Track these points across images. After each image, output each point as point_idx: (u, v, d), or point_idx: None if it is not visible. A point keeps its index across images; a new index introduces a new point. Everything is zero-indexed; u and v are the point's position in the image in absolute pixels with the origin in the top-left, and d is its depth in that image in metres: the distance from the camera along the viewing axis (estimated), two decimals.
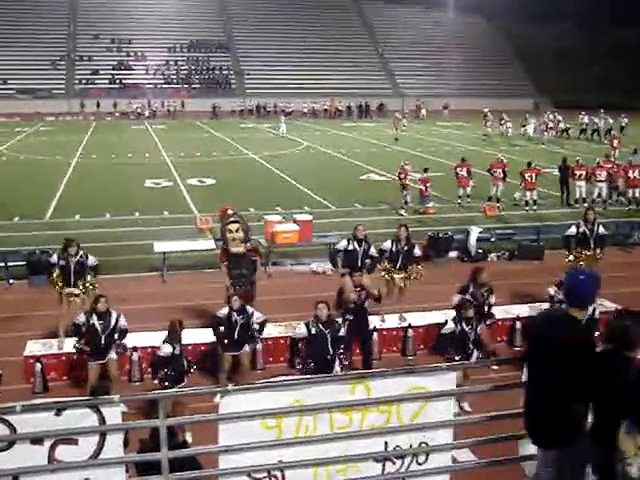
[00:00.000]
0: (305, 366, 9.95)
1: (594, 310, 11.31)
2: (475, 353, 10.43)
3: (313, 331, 9.93)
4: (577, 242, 14.44)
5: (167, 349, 9.76)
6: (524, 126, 47.36)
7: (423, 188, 24.07)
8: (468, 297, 11.48)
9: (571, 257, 14.33)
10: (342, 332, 10.21)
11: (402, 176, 24.22)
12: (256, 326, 10.84)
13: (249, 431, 4.76)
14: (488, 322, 11.86)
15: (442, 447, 5.12)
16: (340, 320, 10.85)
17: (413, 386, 4.95)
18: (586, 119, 47.92)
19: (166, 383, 9.71)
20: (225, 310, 10.74)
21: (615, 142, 35.18)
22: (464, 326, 10.30)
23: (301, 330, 10.08)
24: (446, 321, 10.72)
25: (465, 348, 10.26)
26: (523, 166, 25.16)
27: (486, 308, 11.70)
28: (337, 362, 9.97)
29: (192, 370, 10.12)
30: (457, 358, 10.04)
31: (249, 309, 10.90)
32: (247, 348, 10.94)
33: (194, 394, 8.04)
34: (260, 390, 4.79)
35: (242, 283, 12.25)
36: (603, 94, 67.87)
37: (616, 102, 57.77)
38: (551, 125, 46.45)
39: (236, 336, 10.66)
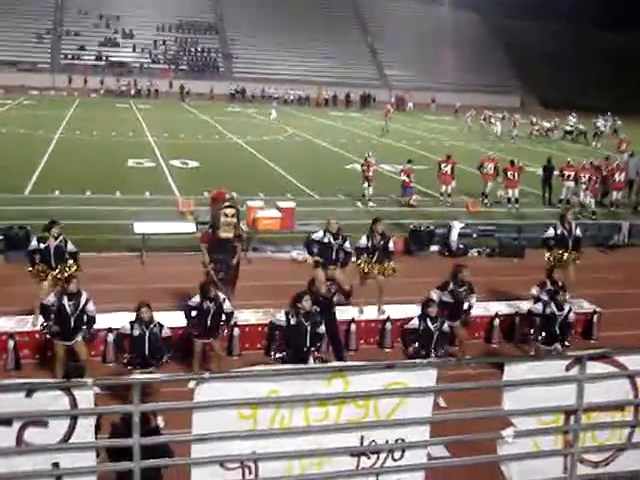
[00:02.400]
0: (279, 354, 9.84)
1: (569, 310, 11.31)
2: (442, 349, 10.38)
3: (293, 321, 9.76)
4: (556, 243, 14.39)
5: (126, 327, 9.73)
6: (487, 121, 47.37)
7: (406, 179, 23.93)
8: (447, 294, 11.43)
9: (550, 257, 14.26)
10: (322, 328, 10.01)
11: (364, 168, 24.02)
12: (224, 316, 10.77)
13: (223, 420, 4.67)
14: (461, 322, 11.73)
15: (419, 444, 5.06)
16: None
17: (392, 381, 4.88)
18: (574, 121, 48.06)
19: (129, 365, 9.67)
20: (197, 298, 10.63)
21: (624, 145, 35.74)
22: (428, 323, 10.22)
23: (281, 318, 9.93)
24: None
25: (428, 345, 10.15)
26: (507, 163, 25.21)
27: (465, 305, 11.62)
28: (311, 356, 9.79)
29: (164, 360, 9.88)
30: (423, 353, 10.00)
31: (221, 297, 10.80)
32: (218, 335, 10.86)
33: (169, 380, 7.92)
34: (236, 379, 4.70)
35: (223, 268, 12.15)
36: (591, 96, 68.25)
37: (603, 105, 57.99)
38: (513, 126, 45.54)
39: (208, 323, 10.59)
